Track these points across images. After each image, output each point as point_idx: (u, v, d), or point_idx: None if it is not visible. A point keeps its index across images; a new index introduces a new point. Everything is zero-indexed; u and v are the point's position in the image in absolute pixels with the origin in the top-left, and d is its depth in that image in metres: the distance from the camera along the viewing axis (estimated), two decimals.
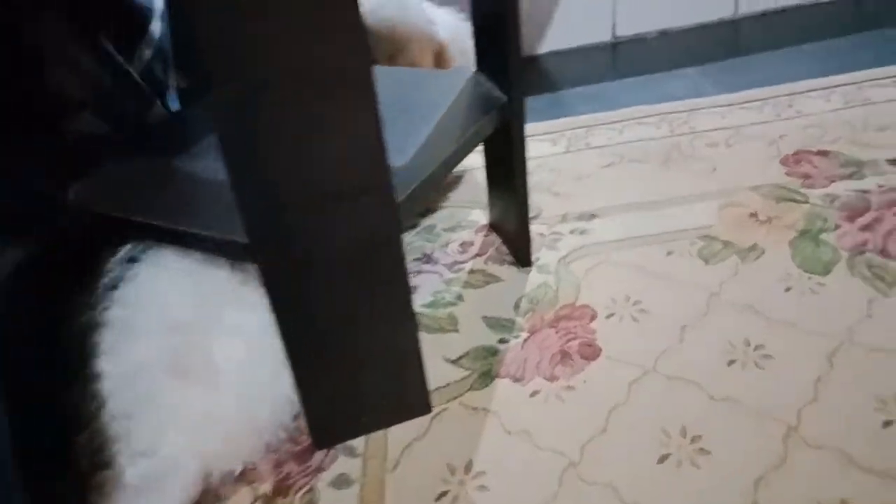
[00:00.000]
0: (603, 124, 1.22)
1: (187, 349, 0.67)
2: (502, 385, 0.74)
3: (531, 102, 1.34)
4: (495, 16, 0.78)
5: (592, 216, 0.99)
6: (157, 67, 0.92)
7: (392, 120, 0.77)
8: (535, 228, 0.97)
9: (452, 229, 1.01)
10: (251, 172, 0.56)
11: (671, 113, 1.22)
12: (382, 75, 0.91)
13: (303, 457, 0.70)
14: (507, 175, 0.88)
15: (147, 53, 0.90)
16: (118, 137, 0.83)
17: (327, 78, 0.54)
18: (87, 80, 0.81)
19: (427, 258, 0.96)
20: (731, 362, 0.72)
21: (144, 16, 0.91)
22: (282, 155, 0.56)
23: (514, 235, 0.94)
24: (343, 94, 0.56)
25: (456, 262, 0.95)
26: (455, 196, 1.08)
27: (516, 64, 0.81)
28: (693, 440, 0.65)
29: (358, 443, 0.71)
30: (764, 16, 1.56)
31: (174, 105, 0.95)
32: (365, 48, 0.55)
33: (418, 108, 0.81)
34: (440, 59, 1.07)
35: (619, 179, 1.06)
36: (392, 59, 1.04)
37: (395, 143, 0.72)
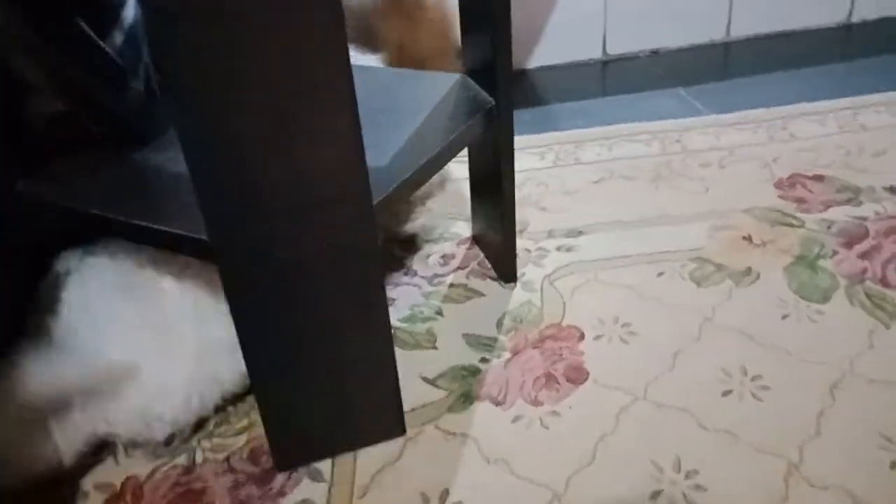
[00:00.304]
0: (592, 140, 1.18)
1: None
2: (482, 408, 0.69)
3: (519, 115, 1.30)
4: (485, 16, 0.74)
5: (580, 233, 0.94)
6: (129, 54, 0.87)
7: (372, 120, 0.73)
8: (520, 244, 0.92)
9: (434, 241, 0.96)
10: (215, 176, 0.51)
11: (663, 131, 1.18)
12: (365, 75, 0.88)
13: (263, 479, 0.65)
14: (493, 186, 0.84)
15: (119, 38, 0.85)
16: (81, 122, 0.77)
17: (302, 81, 0.49)
18: (50, 58, 0.75)
19: (406, 270, 0.91)
20: (726, 392, 0.68)
21: None
22: (251, 159, 0.51)
23: (498, 250, 0.89)
24: (319, 98, 0.51)
25: (436, 276, 0.90)
26: (437, 206, 1.04)
27: (506, 67, 0.76)
28: (688, 475, 0.60)
29: (324, 466, 0.65)
30: (756, 39, 1.54)
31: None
32: (344, 50, 0.50)
33: (401, 108, 0.76)
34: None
35: (608, 196, 1.02)
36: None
37: (375, 143, 0.67)
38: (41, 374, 0.61)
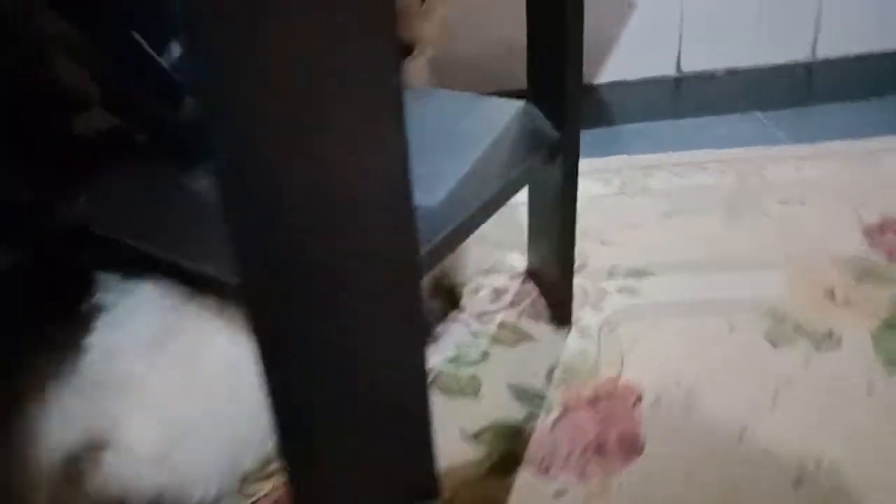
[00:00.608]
0: (662, 166, 1.10)
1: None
2: (524, 476, 0.63)
3: (584, 136, 1.23)
4: (554, 38, 0.68)
5: (644, 273, 0.88)
6: (185, 68, 0.84)
7: (424, 152, 0.67)
8: (578, 282, 0.86)
9: (486, 272, 0.91)
10: (246, 192, 0.45)
11: (739, 160, 1.10)
12: (417, 98, 0.82)
13: None
14: (553, 218, 0.78)
15: (176, 52, 0.82)
16: (131, 138, 0.74)
17: (344, 76, 0.43)
18: (101, 70, 0.72)
19: (455, 303, 0.86)
20: (797, 483, 0.60)
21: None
22: (285, 158, 0.46)
23: (553, 288, 0.83)
24: (362, 95, 0.45)
25: (486, 312, 0.84)
26: (491, 234, 0.98)
27: (575, 95, 0.70)
28: None
29: None
30: (845, 60, 1.43)
31: None
32: (393, 47, 0.44)
33: (455, 140, 0.71)
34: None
35: (676, 231, 0.95)
36: None
37: (425, 180, 0.62)
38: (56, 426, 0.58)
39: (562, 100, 0.71)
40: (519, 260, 0.91)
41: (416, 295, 0.54)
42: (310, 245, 0.47)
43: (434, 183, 0.63)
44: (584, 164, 1.10)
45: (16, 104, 0.65)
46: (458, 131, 0.73)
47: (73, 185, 0.70)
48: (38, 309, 0.68)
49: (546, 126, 0.72)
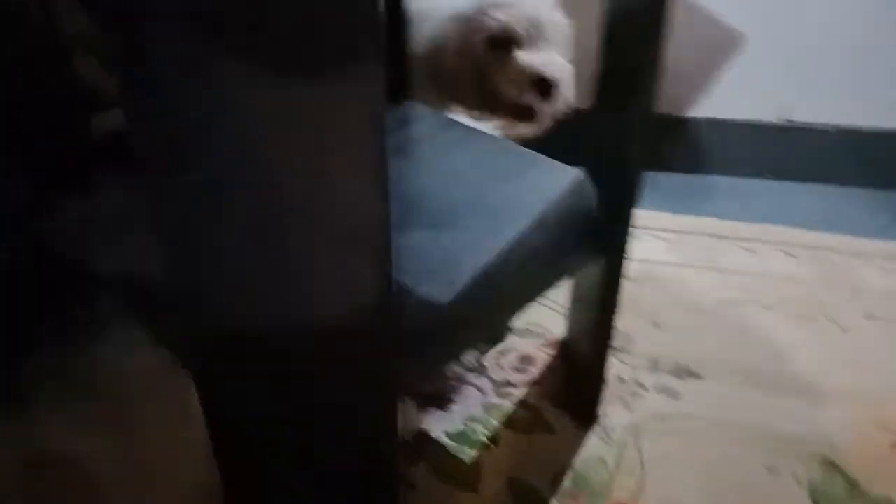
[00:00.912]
0: (739, 239, 0.99)
1: None
2: None
3: (662, 179, 1.13)
4: (620, 114, 0.59)
5: (690, 373, 0.79)
6: None
7: (456, 215, 0.59)
8: (616, 367, 0.78)
9: (519, 331, 0.83)
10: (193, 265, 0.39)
11: (829, 249, 0.98)
12: (475, 142, 0.72)
13: None
14: (593, 297, 0.69)
15: None
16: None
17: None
18: None
19: (475, 360, 0.79)
20: None
21: None
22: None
23: (585, 370, 0.75)
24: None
25: (506, 383, 0.77)
26: None
27: (635, 180, 0.61)
28: None
29: None
30: None
31: None
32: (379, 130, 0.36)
33: (495, 208, 0.62)
34: (543, 90, 0.74)
35: (737, 327, 0.85)
36: (459, 85, 0.76)
37: (445, 263, 0.54)
38: None
39: (621, 184, 0.62)
40: (557, 326, 0.83)
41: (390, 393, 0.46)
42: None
43: (453, 270, 0.55)
44: (651, 217, 1.01)
45: (32, 103, 0.60)
46: (501, 196, 0.64)
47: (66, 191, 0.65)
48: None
49: (598, 212, 0.63)
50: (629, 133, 0.60)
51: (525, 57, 0.74)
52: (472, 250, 0.57)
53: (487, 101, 0.76)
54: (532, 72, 0.73)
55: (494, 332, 0.81)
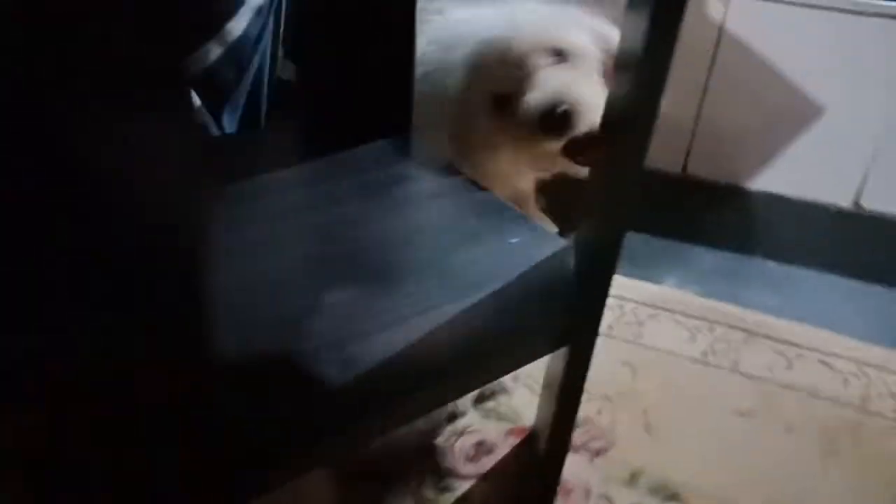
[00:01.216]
0: (771, 340, 0.85)
1: None
2: None
3: (698, 253, 1.00)
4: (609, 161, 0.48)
5: (672, 499, 0.65)
6: (226, 74, 0.70)
7: (382, 286, 0.50)
8: (584, 472, 0.65)
9: (484, 411, 0.72)
10: None
11: (877, 368, 0.82)
12: (460, 196, 0.63)
13: None
14: (559, 382, 0.58)
15: (214, 53, 0.68)
16: None
17: None
18: None
19: (422, 439, 0.68)
20: None
21: (222, 9, 0.68)
22: None
23: (538, 471, 0.64)
24: None
25: (453, 474, 0.66)
26: None
27: (610, 246, 0.50)
28: None
29: None
30: None
31: (230, 125, 0.73)
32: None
33: (434, 278, 0.52)
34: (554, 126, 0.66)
35: (748, 449, 0.71)
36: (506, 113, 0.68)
37: (350, 337, 0.45)
38: None
39: (595, 252, 0.51)
40: (529, 410, 0.71)
41: None
42: None
43: (358, 344, 0.45)
44: (676, 297, 0.88)
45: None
46: (463, 259, 0.54)
47: None
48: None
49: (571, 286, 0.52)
50: (613, 191, 0.49)
51: (532, 97, 0.64)
52: (394, 320, 0.48)
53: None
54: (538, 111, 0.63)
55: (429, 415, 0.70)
